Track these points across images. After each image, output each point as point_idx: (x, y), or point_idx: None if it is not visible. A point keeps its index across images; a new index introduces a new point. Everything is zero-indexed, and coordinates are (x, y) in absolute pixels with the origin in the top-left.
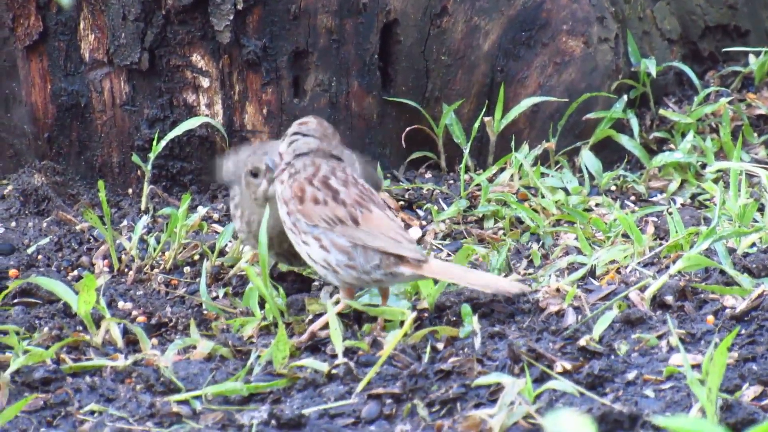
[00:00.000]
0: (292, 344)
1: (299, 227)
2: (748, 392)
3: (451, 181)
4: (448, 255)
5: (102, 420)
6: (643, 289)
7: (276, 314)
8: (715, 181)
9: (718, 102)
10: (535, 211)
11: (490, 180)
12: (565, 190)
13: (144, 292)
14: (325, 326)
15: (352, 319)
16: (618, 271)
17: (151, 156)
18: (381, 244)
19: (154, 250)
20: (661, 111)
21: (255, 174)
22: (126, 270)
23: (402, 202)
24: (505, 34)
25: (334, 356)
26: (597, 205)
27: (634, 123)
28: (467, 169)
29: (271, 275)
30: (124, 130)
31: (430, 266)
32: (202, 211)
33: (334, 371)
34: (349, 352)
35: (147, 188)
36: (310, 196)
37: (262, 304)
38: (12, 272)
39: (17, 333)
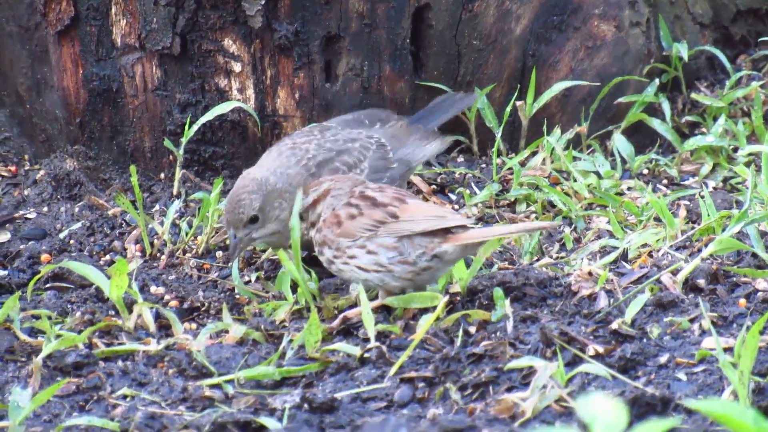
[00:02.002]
0: (324, 328)
1: (342, 250)
2: None
3: (484, 165)
4: None
5: (134, 404)
6: (675, 273)
7: (308, 298)
8: (747, 164)
9: (749, 86)
10: (567, 194)
11: (522, 164)
12: (597, 173)
13: (176, 277)
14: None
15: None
16: (650, 255)
17: (183, 141)
18: (426, 226)
19: (186, 234)
20: (693, 95)
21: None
22: (158, 255)
23: (434, 186)
24: (537, 19)
25: (367, 340)
26: (629, 188)
27: (666, 107)
28: (499, 153)
29: (304, 259)
30: (156, 115)
31: (470, 234)
32: None
33: (366, 355)
34: (381, 335)
35: (179, 173)
36: (346, 215)
37: (294, 288)
38: (44, 257)
39: (49, 318)
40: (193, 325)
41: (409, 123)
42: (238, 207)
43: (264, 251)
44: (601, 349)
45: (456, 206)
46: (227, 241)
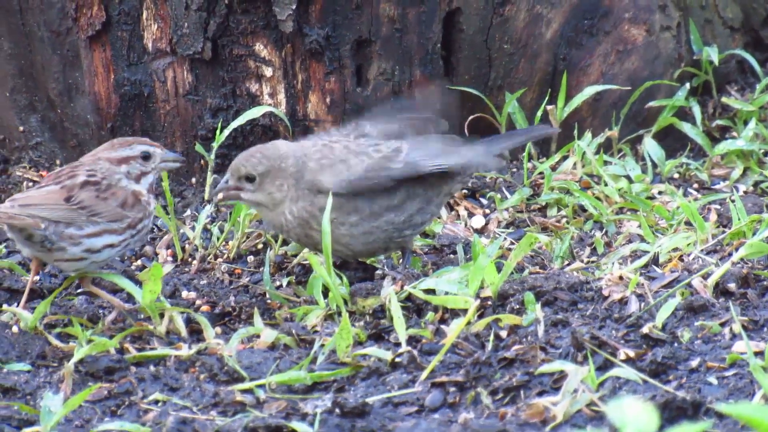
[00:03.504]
0: (356, 332)
1: None
2: None
3: (514, 170)
4: (512, 243)
5: (166, 409)
6: (705, 277)
7: (339, 303)
8: None
9: None
10: (598, 199)
11: (553, 168)
12: (628, 177)
13: (208, 282)
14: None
15: (412, 311)
16: (681, 259)
17: (215, 145)
18: None
19: (218, 239)
20: (724, 99)
21: None
22: (190, 259)
23: (465, 191)
24: (568, 23)
25: (398, 344)
26: (660, 192)
27: (697, 111)
28: (530, 158)
29: (335, 264)
30: (187, 120)
31: None
32: None
33: (397, 359)
34: (412, 340)
35: (210, 177)
36: None
37: (325, 293)
38: None
39: (81, 323)
40: (225, 330)
41: (472, 141)
42: (246, 160)
43: (295, 256)
44: (632, 353)
45: (487, 210)
46: (259, 246)
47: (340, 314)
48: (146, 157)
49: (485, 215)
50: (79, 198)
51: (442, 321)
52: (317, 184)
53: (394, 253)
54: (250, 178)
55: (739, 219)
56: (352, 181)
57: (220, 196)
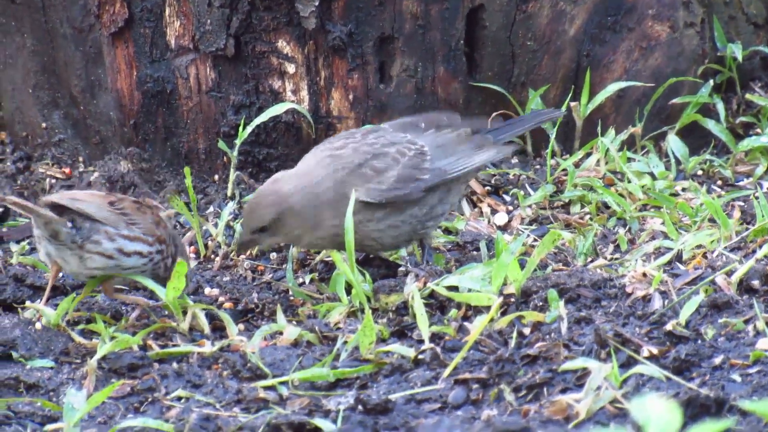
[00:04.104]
0: (379, 329)
1: None
2: None
3: (538, 166)
4: (535, 240)
5: (189, 406)
6: (729, 274)
7: (362, 300)
8: None
9: None
10: (622, 195)
11: (577, 165)
12: (652, 174)
13: (230, 278)
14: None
15: (435, 308)
16: (704, 256)
17: (238, 142)
18: None
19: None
20: (747, 95)
21: None
22: (212, 256)
23: (488, 188)
24: (591, 19)
25: (421, 341)
26: (683, 189)
27: (720, 108)
28: (553, 154)
29: (357, 260)
30: (210, 117)
31: None
32: None
33: (420, 356)
34: (435, 337)
35: (233, 174)
36: None
37: (348, 289)
38: None
39: (104, 320)
40: (248, 327)
41: (481, 133)
42: (252, 213)
43: (318, 253)
44: (655, 351)
45: (510, 207)
46: (281, 244)
47: (363, 311)
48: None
49: (508, 212)
50: (123, 205)
51: (465, 318)
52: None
53: (417, 250)
54: (262, 230)
55: (762, 216)
56: (385, 195)
57: (241, 249)
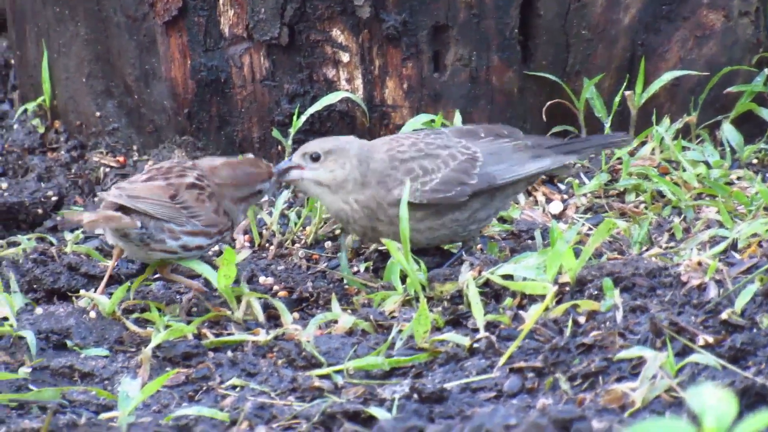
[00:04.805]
0: (434, 318)
1: None
2: None
3: (593, 155)
4: (590, 229)
5: (243, 394)
6: None
7: (417, 288)
8: None
9: None
10: (677, 184)
11: (632, 154)
12: (707, 163)
13: (285, 267)
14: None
15: (490, 297)
16: (760, 245)
17: (292, 131)
18: None
19: (295, 224)
20: None
21: None
22: (267, 245)
23: (543, 177)
24: (645, 8)
25: (476, 330)
26: (738, 178)
27: None
28: None
29: (412, 250)
30: (264, 105)
31: None
32: None
33: (475, 345)
34: (490, 326)
35: None
36: None
37: (403, 278)
38: None
39: (158, 308)
40: (302, 316)
41: (537, 146)
42: (318, 141)
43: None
44: (710, 339)
45: (565, 196)
46: (336, 231)
47: (417, 300)
48: (259, 192)
49: (563, 201)
50: (183, 198)
51: (520, 307)
52: (386, 180)
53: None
54: (314, 157)
55: None
56: (428, 196)
57: (283, 170)
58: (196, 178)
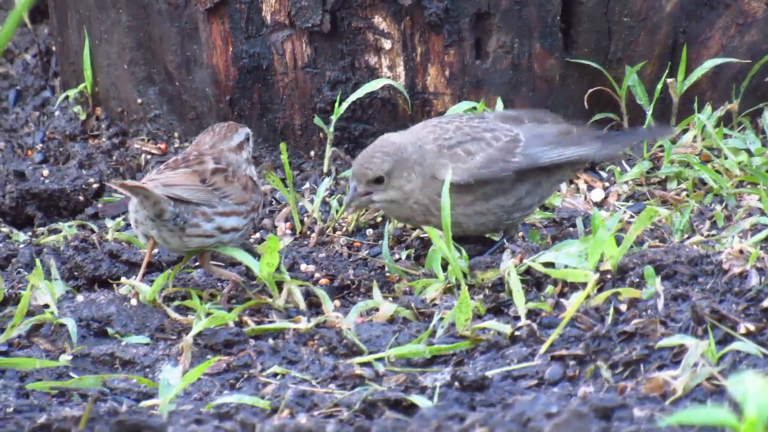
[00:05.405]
0: (475, 306)
1: None
2: None
3: (634, 143)
4: (631, 217)
5: (284, 382)
6: None
7: (459, 276)
8: None
9: None
10: (718, 172)
11: (673, 141)
12: (748, 151)
13: (326, 255)
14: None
15: (531, 285)
16: None
17: (334, 118)
18: None
19: (337, 212)
20: None
21: None
22: (308, 232)
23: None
24: None
25: (517, 318)
26: None
27: None
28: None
29: (454, 238)
30: (306, 93)
31: None
32: None
33: (516, 333)
34: (531, 313)
35: (329, 150)
36: None
37: (444, 266)
38: None
39: (199, 296)
40: (344, 303)
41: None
42: (369, 163)
43: (414, 230)
44: (752, 327)
45: (606, 183)
46: (377, 219)
47: (459, 287)
48: (248, 138)
49: (605, 188)
50: (213, 180)
51: (562, 294)
52: (436, 172)
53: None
54: (378, 180)
55: None
56: (472, 173)
57: (354, 205)
58: (214, 162)
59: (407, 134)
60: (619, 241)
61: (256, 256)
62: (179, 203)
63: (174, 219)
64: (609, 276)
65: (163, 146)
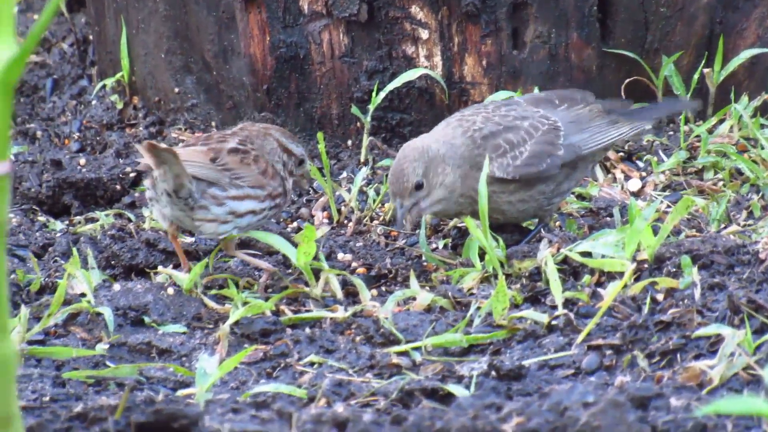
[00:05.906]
0: (512, 295)
1: None
2: None
3: (671, 133)
4: (668, 206)
5: (321, 371)
6: None
7: (496, 265)
8: None
9: None
10: (755, 162)
11: (710, 131)
12: None
13: (363, 244)
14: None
15: (568, 274)
16: None
17: (371, 108)
18: None
19: (374, 201)
20: None
21: None
22: (345, 222)
23: (622, 153)
24: None
25: (554, 307)
26: None
27: None
28: (687, 121)
29: (491, 227)
30: (343, 82)
31: None
32: None
33: (553, 322)
34: (568, 303)
35: (366, 140)
36: None
37: (482, 255)
38: None
39: (236, 285)
40: (381, 292)
41: (615, 113)
42: (402, 176)
43: (451, 219)
44: None
45: (643, 173)
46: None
47: (496, 277)
48: (301, 162)
49: (642, 178)
50: (224, 160)
51: (599, 284)
52: (476, 164)
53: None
54: (418, 186)
55: None
56: (520, 171)
57: (407, 221)
58: (238, 143)
59: (426, 137)
60: (656, 231)
61: (294, 245)
62: (197, 181)
63: (188, 198)
64: (646, 265)
65: (200, 135)
